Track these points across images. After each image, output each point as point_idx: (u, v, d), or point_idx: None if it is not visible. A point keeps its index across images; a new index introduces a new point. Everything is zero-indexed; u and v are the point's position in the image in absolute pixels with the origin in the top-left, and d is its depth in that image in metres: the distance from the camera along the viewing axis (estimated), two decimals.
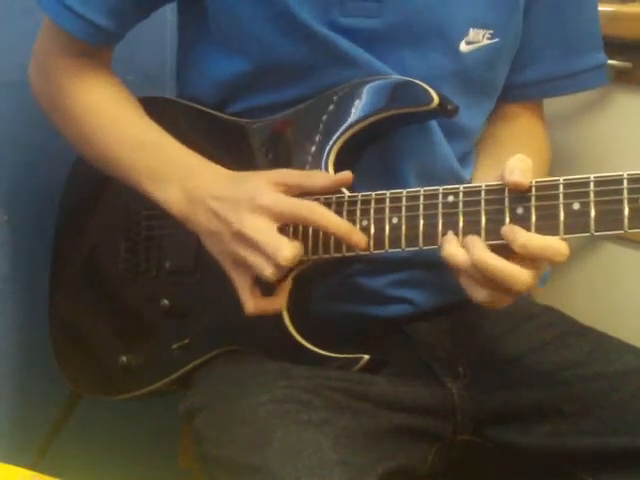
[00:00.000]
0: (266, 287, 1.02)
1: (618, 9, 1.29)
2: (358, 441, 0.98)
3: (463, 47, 1.08)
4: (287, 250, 0.97)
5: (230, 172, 1.06)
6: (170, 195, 1.07)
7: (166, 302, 1.16)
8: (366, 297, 1.10)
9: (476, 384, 1.08)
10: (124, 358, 1.20)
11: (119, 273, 1.22)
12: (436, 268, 1.09)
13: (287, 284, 1.02)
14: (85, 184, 1.28)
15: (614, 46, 1.24)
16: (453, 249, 0.93)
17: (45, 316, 1.31)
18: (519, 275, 0.90)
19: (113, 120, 1.14)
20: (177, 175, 1.07)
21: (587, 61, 1.19)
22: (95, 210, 1.27)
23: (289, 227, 1.01)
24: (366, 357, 1.04)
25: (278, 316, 1.03)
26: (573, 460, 1.04)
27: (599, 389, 1.05)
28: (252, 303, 1.01)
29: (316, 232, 1.00)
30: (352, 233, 0.98)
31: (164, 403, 1.27)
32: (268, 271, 0.98)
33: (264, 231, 0.98)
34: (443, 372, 1.09)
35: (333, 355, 1.04)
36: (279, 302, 1.02)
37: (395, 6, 1.05)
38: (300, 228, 1.01)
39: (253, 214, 0.99)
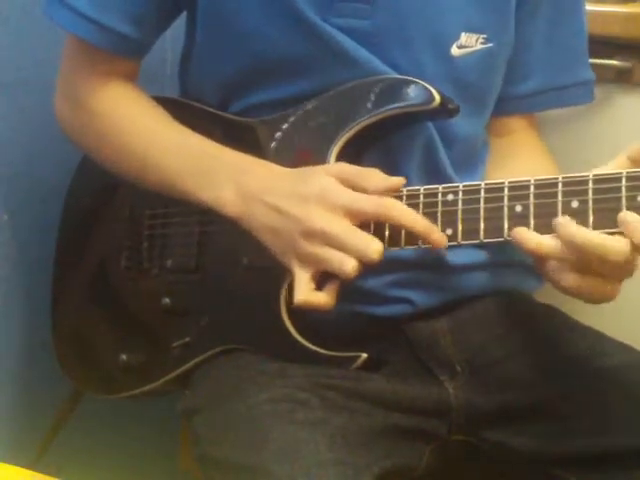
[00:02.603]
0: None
1: (618, 9, 1.30)
2: (354, 440, 0.98)
3: (455, 51, 1.07)
4: (377, 244, 0.96)
5: (281, 168, 1.04)
6: (222, 195, 1.04)
7: (167, 300, 1.16)
8: (365, 297, 1.10)
9: (473, 383, 1.08)
10: (124, 356, 1.20)
11: (121, 271, 1.22)
12: (435, 268, 1.10)
13: (338, 285, 1.00)
14: (90, 184, 1.28)
15: (614, 46, 1.24)
16: (537, 237, 0.91)
17: (46, 315, 1.32)
18: (611, 243, 0.87)
19: (149, 127, 1.13)
20: (227, 174, 1.05)
21: (575, 76, 1.19)
22: (99, 209, 1.27)
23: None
24: (364, 355, 1.04)
25: (277, 314, 1.04)
26: (567, 461, 1.04)
27: (595, 388, 1.05)
28: (306, 294, 0.99)
29: (381, 226, 0.99)
30: (432, 231, 0.97)
31: (164, 403, 1.27)
32: (350, 265, 0.96)
33: (345, 228, 0.97)
34: (441, 371, 1.09)
35: (331, 353, 1.04)
36: (331, 300, 1.00)
37: (386, 8, 1.05)
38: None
39: (326, 211, 0.97)
